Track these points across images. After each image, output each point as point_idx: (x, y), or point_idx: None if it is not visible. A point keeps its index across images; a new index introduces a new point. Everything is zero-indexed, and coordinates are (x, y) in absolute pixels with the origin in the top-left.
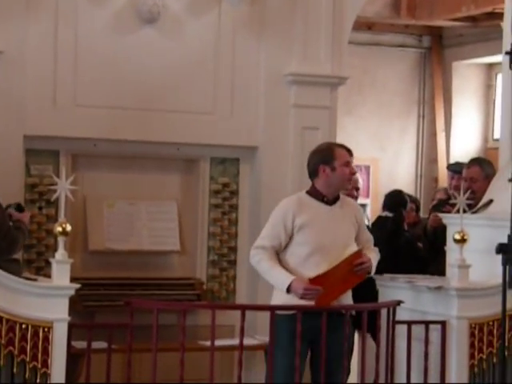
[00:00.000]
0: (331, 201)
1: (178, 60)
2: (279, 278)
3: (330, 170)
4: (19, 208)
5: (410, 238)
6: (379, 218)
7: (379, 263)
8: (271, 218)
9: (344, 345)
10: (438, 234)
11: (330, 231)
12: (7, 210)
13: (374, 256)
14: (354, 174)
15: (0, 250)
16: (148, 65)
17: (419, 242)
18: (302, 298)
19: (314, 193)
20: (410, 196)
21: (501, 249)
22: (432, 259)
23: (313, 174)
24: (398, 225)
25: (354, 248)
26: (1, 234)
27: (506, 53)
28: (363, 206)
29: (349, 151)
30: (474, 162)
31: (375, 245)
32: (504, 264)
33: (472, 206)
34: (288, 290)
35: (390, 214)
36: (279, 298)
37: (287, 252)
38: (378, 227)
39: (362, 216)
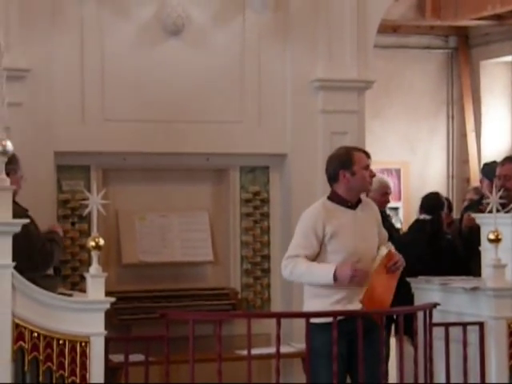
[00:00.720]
0: (354, 205)
1: (204, 70)
2: (322, 271)
3: (350, 174)
4: None
5: (451, 239)
6: (417, 221)
7: (417, 265)
8: (300, 228)
9: (381, 349)
10: (474, 234)
11: (360, 236)
12: None
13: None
14: (373, 176)
15: (35, 264)
16: (174, 76)
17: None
18: (351, 281)
19: (336, 198)
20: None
21: None
22: (469, 259)
23: (333, 179)
24: (437, 227)
25: (383, 251)
26: (35, 248)
27: None
28: (395, 209)
29: (366, 154)
30: (508, 159)
31: (414, 247)
32: None
33: (506, 205)
34: (335, 280)
35: (427, 217)
36: (311, 306)
37: (319, 262)
38: (416, 230)
39: (380, 214)
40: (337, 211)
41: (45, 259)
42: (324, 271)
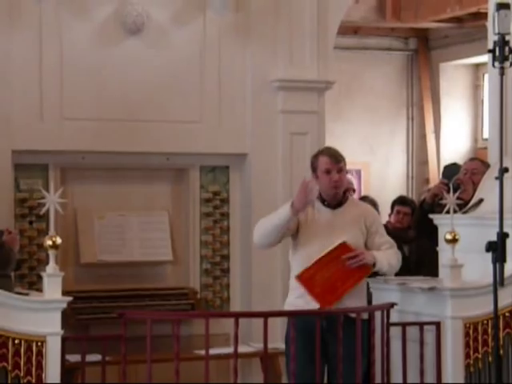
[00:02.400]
0: (333, 205)
1: (164, 70)
2: (281, 210)
3: (315, 177)
4: None
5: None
6: None
7: None
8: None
9: (350, 347)
10: (434, 206)
11: (329, 234)
12: None
13: (381, 254)
14: (335, 181)
15: None
16: (134, 76)
17: (410, 242)
18: (308, 199)
19: (319, 196)
20: (407, 199)
21: (490, 247)
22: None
23: None
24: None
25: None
26: None
27: (489, 51)
28: None
29: (332, 157)
30: (476, 158)
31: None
32: (494, 262)
33: (462, 206)
34: (294, 208)
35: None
36: (288, 299)
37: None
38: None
39: (375, 220)
40: (316, 206)
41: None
42: (282, 209)
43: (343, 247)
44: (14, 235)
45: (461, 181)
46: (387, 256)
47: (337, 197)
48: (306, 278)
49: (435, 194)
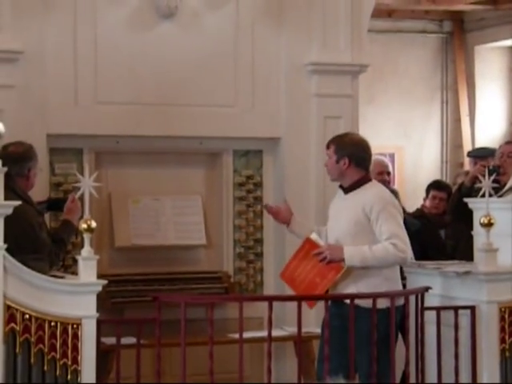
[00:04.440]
0: (346, 189)
1: (197, 54)
2: None
3: None
4: (53, 205)
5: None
6: None
7: None
8: None
9: (363, 333)
10: (473, 190)
11: (334, 218)
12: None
13: (356, 250)
14: (325, 165)
15: (24, 248)
16: (168, 60)
17: (445, 227)
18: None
19: None
20: (442, 183)
21: None
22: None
23: None
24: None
25: (312, 235)
26: (26, 233)
27: None
28: None
29: (327, 143)
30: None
31: None
32: None
33: (498, 189)
34: None
35: None
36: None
37: None
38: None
39: (374, 207)
40: (339, 192)
41: (38, 249)
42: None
43: (309, 242)
44: (76, 203)
45: (500, 164)
46: (365, 251)
47: (339, 181)
48: (287, 276)
49: (475, 177)
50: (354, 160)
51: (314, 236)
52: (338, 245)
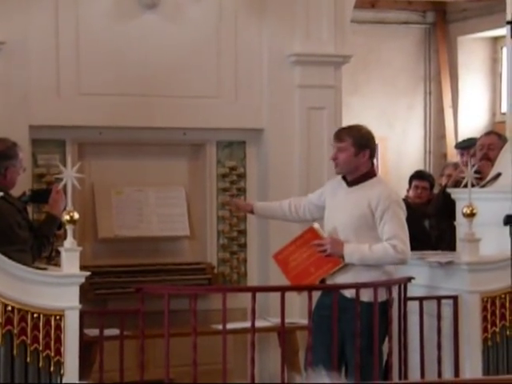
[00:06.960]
0: (350, 182)
1: (180, 45)
2: None
3: None
4: (35, 197)
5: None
6: None
7: None
8: None
9: (354, 325)
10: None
11: (337, 210)
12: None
13: (356, 248)
14: (330, 158)
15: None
16: (150, 50)
17: (430, 217)
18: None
19: None
20: (424, 173)
21: (508, 220)
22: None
23: None
24: None
25: (314, 225)
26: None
27: (507, 22)
28: None
29: (336, 135)
30: (492, 132)
31: None
32: None
33: (481, 179)
34: None
35: None
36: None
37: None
38: None
39: (379, 205)
40: (340, 185)
41: (19, 244)
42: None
43: (312, 232)
44: (61, 194)
45: (479, 167)
46: (364, 250)
47: (348, 174)
48: (281, 259)
49: (457, 181)
50: (372, 153)
51: (316, 226)
52: (340, 240)
